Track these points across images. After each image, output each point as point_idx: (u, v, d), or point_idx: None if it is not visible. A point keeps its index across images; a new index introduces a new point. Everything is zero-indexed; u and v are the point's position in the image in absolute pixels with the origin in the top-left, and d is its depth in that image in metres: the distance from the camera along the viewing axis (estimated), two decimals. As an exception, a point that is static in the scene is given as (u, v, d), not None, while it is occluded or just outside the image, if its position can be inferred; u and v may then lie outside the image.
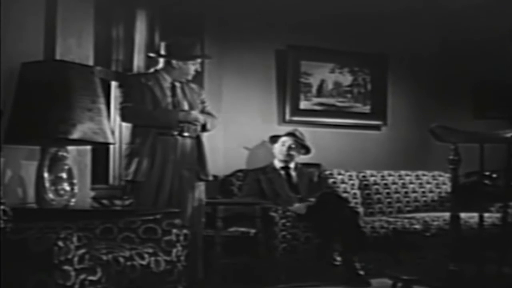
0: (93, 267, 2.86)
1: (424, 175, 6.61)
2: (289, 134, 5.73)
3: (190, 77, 4.72)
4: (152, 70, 4.72)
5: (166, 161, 4.50)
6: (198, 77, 5.58)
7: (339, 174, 6.18)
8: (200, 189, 4.67)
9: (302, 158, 5.78)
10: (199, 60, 4.74)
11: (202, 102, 4.80)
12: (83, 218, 3.49)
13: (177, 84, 4.66)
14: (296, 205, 5.30)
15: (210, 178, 4.74)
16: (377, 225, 5.51)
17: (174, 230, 3.41)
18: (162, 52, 4.64)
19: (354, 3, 6.28)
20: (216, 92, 5.75)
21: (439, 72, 6.87)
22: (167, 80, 4.62)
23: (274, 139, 5.78)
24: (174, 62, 4.61)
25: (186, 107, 4.63)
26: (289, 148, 5.66)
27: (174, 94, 4.63)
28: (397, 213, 6.22)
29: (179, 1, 5.56)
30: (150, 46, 5.36)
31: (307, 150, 5.78)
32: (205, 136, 4.75)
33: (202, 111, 4.75)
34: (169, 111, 4.56)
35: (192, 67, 4.68)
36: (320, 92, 6.41)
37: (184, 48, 4.65)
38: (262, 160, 5.80)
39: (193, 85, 4.81)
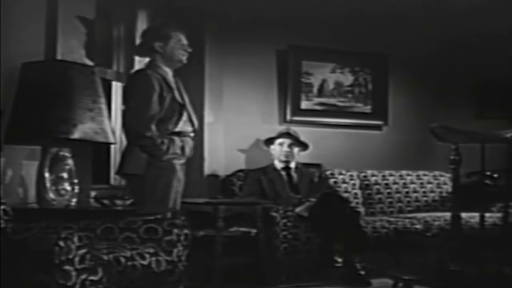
0: (94, 267, 2.86)
1: (425, 175, 6.61)
2: (284, 134, 5.71)
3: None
4: None
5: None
6: (199, 77, 5.61)
7: (340, 174, 6.18)
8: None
9: (302, 158, 5.78)
10: None
11: None
12: (84, 218, 3.49)
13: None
14: (299, 208, 5.30)
15: None
16: (378, 225, 5.51)
17: (175, 230, 3.41)
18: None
19: (355, 3, 6.28)
20: (217, 92, 5.75)
21: (439, 72, 6.87)
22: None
23: (269, 141, 5.76)
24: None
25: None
26: (289, 148, 5.65)
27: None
28: (398, 213, 6.22)
29: (179, 1, 5.55)
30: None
31: (305, 146, 5.78)
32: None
33: None
34: None
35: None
36: (321, 92, 6.40)
37: None
38: (262, 160, 5.79)
39: None
